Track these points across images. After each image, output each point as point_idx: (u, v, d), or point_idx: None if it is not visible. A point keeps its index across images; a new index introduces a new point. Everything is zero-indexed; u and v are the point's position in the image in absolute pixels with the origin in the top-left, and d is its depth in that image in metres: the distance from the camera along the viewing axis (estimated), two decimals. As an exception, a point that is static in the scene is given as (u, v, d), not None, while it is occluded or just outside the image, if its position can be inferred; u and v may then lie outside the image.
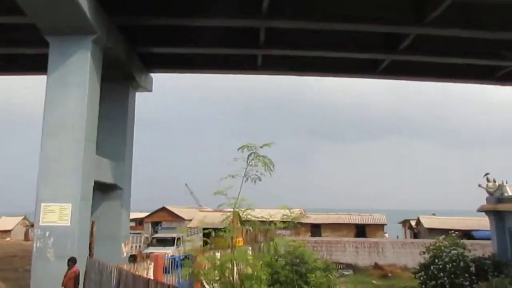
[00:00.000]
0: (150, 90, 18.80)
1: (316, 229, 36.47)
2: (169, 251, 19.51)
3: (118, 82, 15.81)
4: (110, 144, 15.21)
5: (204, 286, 9.54)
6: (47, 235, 11.83)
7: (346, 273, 22.77)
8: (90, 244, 14.42)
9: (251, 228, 35.02)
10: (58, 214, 12.01)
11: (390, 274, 24.17)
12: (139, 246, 23.36)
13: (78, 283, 10.17)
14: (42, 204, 12.03)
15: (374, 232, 34.82)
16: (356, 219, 37.91)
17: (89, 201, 12.75)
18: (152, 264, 10.88)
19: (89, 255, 12.97)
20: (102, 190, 14.78)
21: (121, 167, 15.75)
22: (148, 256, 19.07)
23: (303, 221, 37.72)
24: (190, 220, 35.93)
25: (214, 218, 36.26)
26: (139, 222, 37.66)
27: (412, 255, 25.07)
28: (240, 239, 37.07)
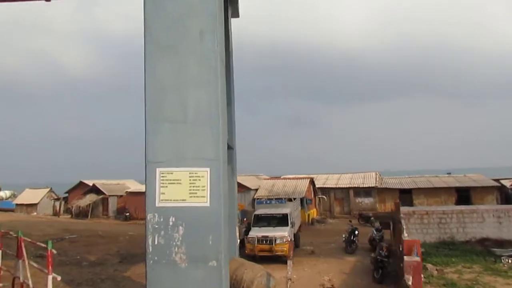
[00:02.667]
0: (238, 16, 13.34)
1: (406, 195, 31.45)
2: (285, 233, 14.66)
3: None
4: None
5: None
6: (170, 223, 7.04)
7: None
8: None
9: (324, 197, 29.76)
10: (187, 187, 7.14)
11: None
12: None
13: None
14: (158, 169, 7.15)
15: (481, 197, 29.61)
16: (451, 181, 32.71)
17: (226, 168, 7.88)
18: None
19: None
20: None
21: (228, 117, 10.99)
22: (262, 241, 14.34)
23: (390, 187, 32.85)
24: (256, 189, 31.27)
25: (286, 186, 31.61)
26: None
27: None
28: (314, 209, 32.57)
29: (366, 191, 33.19)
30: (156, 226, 6.99)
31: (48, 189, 54.36)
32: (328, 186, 34.31)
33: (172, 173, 7.09)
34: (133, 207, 35.99)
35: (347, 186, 33.87)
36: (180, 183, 7.09)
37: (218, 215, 7.05)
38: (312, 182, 31.64)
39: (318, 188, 33.26)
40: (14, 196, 67.15)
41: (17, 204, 53.41)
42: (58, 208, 49.52)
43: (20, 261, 8.45)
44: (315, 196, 32.54)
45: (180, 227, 6.99)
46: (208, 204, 7.02)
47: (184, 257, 6.92)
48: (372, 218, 27.56)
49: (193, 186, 7.07)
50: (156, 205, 7.04)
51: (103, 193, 39.36)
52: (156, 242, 6.97)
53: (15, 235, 10.94)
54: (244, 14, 13.29)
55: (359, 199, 33.13)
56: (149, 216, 7.06)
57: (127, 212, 35.46)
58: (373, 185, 32.95)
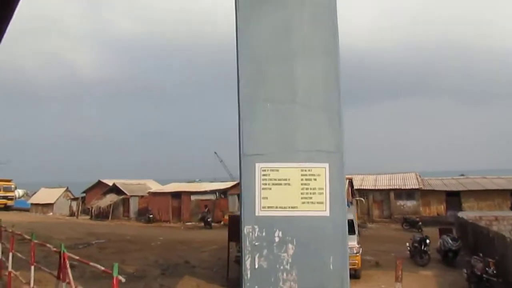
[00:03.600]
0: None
1: (453, 198, 29.30)
2: (354, 243, 12.80)
3: None
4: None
5: None
6: (276, 239, 5.25)
7: None
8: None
9: (363, 199, 27.69)
10: (299, 190, 5.35)
11: None
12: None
13: None
14: (258, 165, 5.35)
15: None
16: (502, 183, 30.41)
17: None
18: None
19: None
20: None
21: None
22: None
23: (435, 188, 30.70)
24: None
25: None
26: (222, 193, 31.60)
27: None
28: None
29: (408, 193, 31.14)
30: (257, 244, 5.17)
31: (64, 189, 53.33)
32: (365, 187, 32.33)
33: (277, 171, 5.27)
34: (156, 208, 34.50)
35: (387, 187, 31.83)
36: (288, 184, 5.27)
37: (341, 229, 5.21)
38: (351, 183, 29.68)
39: (356, 189, 31.30)
40: (27, 195, 66.51)
41: (32, 204, 52.47)
42: (75, 208, 48.36)
43: (64, 284, 6.76)
44: (353, 198, 30.59)
45: (290, 245, 5.16)
46: (327, 213, 5.18)
47: (295, 286, 5.12)
48: (420, 223, 25.60)
49: (307, 188, 5.25)
50: (256, 213, 5.22)
51: (123, 193, 37.95)
52: (256, 265, 5.15)
53: (31, 239, 9.38)
54: None
55: (400, 202, 31.09)
56: (246, 229, 5.23)
57: (150, 214, 33.95)
58: (416, 187, 30.87)
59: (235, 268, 12.85)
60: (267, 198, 5.24)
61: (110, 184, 45.54)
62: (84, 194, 49.93)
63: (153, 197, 35.66)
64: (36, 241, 9.73)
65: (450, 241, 15.01)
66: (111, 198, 37.80)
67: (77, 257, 7.15)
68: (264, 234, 5.17)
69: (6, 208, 48.13)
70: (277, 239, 5.14)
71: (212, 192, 32.49)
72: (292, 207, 5.20)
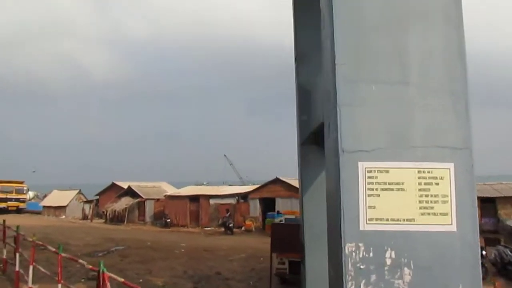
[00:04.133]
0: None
1: (487, 204, 27.76)
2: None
3: None
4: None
5: None
6: (388, 261, 4.07)
7: None
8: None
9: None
10: (416, 197, 4.17)
11: None
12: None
13: None
14: (362, 164, 4.19)
15: None
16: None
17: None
18: None
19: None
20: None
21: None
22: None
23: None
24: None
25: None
26: (242, 197, 30.45)
27: None
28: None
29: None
30: (362, 267, 4.00)
31: (77, 191, 52.70)
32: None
33: (387, 172, 4.11)
34: (173, 212, 33.47)
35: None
36: (402, 190, 4.11)
37: (472, 248, 4.03)
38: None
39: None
40: (37, 197, 66.01)
41: (44, 206, 51.87)
42: (87, 211, 47.64)
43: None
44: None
45: (406, 269, 4.00)
46: (453, 228, 4.01)
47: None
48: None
49: (426, 195, 4.08)
50: (361, 227, 4.06)
51: (138, 196, 36.99)
52: (362, 296, 3.99)
53: (57, 252, 8.32)
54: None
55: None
56: (348, 248, 4.06)
57: (167, 218, 32.90)
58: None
59: (276, 282, 11.71)
60: (374, 207, 4.07)
61: (124, 186, 44.65)
62: (97, 197, 49.21)
63: (169, 201, 34.63)
64: (64, 254, 8.68)
65: (509, 252, 13.66)
66: (126, 201, 36.87)
67: (121, 279, 5.99)
68: (371, 254, 4.00)
69: (18, 211, 47.55)
70: (388, 261, 3.98)
71: (232, 196, 31.33)
72: (407, 220, 4.04)
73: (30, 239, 11.12)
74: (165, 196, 35.57)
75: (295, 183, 29.83)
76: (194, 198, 33.11)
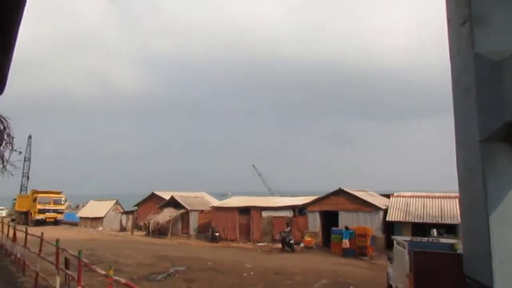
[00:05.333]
0: None
1: None
2: None
3: None
4: None
5: None
6: None
7: None
8: None
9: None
10: None
11: None
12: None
13: None
14: None
15: None
16: None
17: None
18: None
19: None
20: None
21: None
22: None
23: None
24: (385, 209, 25.27)
25: (427, 207, 25.26)
26: (299, 210, 27.69)
27: None
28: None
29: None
30: None
31: (113, 201, 51.21)
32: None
33: None
34: (220, 225, 31.05)
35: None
36: None
37: None
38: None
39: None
40: (70, 207, 65.31)
41: (81, 218, 50.59)
42: (125, 222, 45.98)
43: None
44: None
45: None
46: None
47: None
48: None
49: None
50: None
51: (182, 207, 34.80)
52: None
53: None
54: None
55: None
56: None
57: (215, 232, 30.43)
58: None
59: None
60: None
61: (165, 197, 42.70)
62: (135, 208, 47.58)
63: (216, 212, 32.14)
64: (116, 278, 6.49)
65: None
66: (169, 212, 34.68)
67: None
68: None
69: (56, 222, 46.35)
70: None
71: (287, 208, 28.61)
72: None
73: (72, 253, 9.09)
74: (211, 207, 33.18)
75: (362, 195, 26.98)
76: (244, 210, 30.56)
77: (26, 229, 15.67)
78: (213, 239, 30.23)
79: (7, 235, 20.01)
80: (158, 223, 33.82)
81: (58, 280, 10.38)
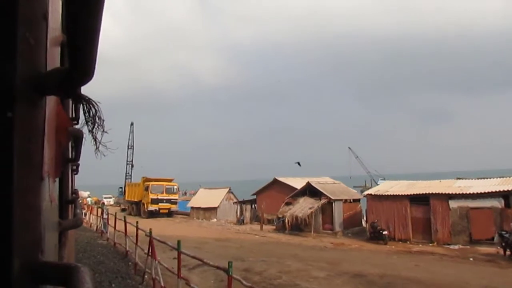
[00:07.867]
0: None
1: None
2: None
3: None
4: None
5: None
6: None
7: None
8: None
9: None
10: None
11: None
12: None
13: None
14: None
15: None
16: None
17: None
18: None
19: None
20: None
21: None
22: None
23: None
24: None
25: None
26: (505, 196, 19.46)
27: None
28: None
29: None
30: None
31: (226, 189, 46.15)
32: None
33: None
34: (382, 219, 23.88)
35: None
36: None
37: None
38: None
39: None
40: (184, 195, 62.67)
41: (192, 208, 46.44)
42: (242, 214, 40.65)
43: None
44: None
45: None
46: None
47: None
48: None
49: None
50: None
51: (322, 196, 28.20)
52: None
53: None
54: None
55: None
56: None
57: (379, 229, 23.21)
58: None
59: None
60: None
61: (289, 183, 36.64)
62: (254, 197, 42.25)
63: (375, 202, 24.96)
64: None
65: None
66: (307, 203, 28.28)
67: None
68: None
69: (169, 213, 42.49)
70: None
71: (495, 195, 20.35)
72: None
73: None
74: (368, 195, 25.91)
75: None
76: (420, 199, 22.91)
77: (137, 223, 14.27)
78: (376, 238, 23.10)
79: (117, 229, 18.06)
80: (296, 217, 27.47)
81: None
